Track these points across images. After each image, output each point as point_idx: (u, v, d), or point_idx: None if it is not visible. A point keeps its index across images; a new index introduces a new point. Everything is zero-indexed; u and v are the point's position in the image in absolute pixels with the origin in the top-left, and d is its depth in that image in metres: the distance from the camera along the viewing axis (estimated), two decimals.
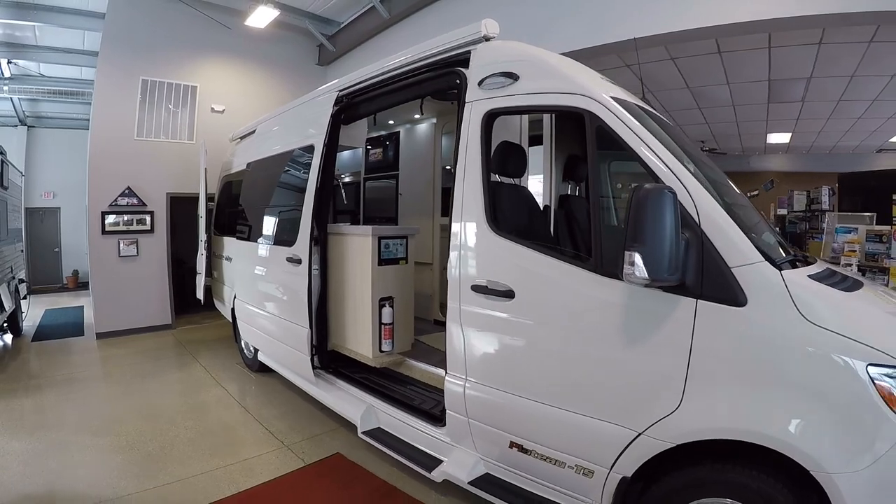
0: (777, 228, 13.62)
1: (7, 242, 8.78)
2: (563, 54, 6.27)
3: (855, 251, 7.05)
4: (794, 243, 11.52)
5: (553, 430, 2.99)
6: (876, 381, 2.20)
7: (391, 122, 6.95)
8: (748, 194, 17.33)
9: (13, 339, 9.09)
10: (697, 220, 2.44)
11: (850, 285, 2.70)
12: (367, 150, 7.49)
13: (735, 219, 2.53)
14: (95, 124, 9.22)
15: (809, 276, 2.53)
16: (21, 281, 10.04)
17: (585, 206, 3.14)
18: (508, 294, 3.07)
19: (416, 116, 6.53)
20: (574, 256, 3.01)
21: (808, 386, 2.31)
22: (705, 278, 2.42)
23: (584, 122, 2.87)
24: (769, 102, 10.92)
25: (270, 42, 10.67)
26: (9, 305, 8.37)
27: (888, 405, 2.18)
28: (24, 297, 10.27)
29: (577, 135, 3.53)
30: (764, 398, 2.36)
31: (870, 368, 2.20)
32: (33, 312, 10.95)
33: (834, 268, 3.14)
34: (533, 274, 3.03)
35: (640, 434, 2.61)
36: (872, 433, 2.21)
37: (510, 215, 3.33)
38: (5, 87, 12.61)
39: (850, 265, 6.96)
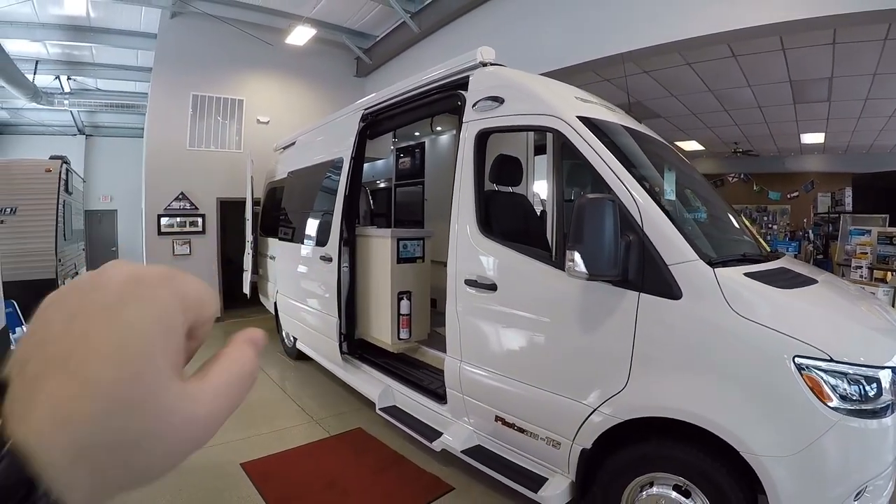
0: (809, 230, 13.73)
1: (71, 242, 9.61)
2: (574, 66, 6.78)
3: (867, 253, 7.02)
4: (824, 244, 11.65)
5: (528, 406, 3.43)
6: (803, 372, 2.40)
7: (417, 133, 7.47)
8: (788, 195, 17.23)
9: None
10: (640, 224, 2.80)
11: (793, 283, 2.91)
12: (398, 159, 8.05)
13: (682, 223, 2.90)
14: (151, 136, 10.07)
15: (745, 274, 2.77)
16: None
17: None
18: (492, 287, 3.57)
19: (438, 129, 7.05)
20: (545, 255, 3.40)
21: (737, 373, 2.56)
22: (646, 274, 2.77)
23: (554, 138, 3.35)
24: (795, 103, 10.86)
25: (310, 56, 11.26)
26: None
27: (817, 396, 2.38)
28: None
29: None
30: (697, 382, 2.65)
31: (797, 360, 2.40)
32: None
33: (790, 266, 3.34)
34: (512, 270, 3.51)
35: (594, 410, 3.00)
36: (801, 421, 2.43)
37: (499, 220, 3.79)
38: (66, 101, 13.50)
39: (860, 268, 7.04)
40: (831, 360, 2.39)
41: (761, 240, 4.13)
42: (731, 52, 8.09)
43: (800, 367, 2.39)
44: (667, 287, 2.71)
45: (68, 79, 13.07)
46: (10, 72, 9.89)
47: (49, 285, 7.78)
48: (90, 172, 16.85)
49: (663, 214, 2.83)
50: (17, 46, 10.60)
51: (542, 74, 6.99)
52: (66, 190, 9.00)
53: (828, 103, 10.80)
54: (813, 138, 14.28)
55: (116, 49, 11.39)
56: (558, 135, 3.28)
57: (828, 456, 2.42)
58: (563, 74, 7.31)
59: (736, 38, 6.20)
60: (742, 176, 17.95)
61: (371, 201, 7.44)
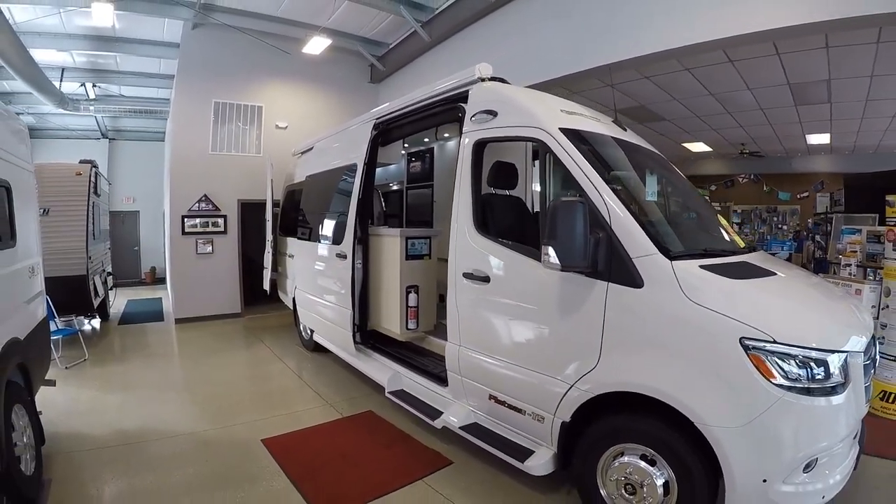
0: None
1: (99, 241, 10.22)
2: (579, 73, 7.07)
3: (856, 252, 7.17)
4: (826, 243, 11.88)
5: (517, 384, 3.85)
6: (749, 352, 2.70)
7: (426, 140, 7.88)
8: (798, 196, 17.36)
9: (102, 322, 10.54)
10: (609, 223, 3.20)
11: (748, 275, 3.23)
12: (409, 163, 8.48)
13: (647, 222, 3.28)
14: (175, 142, 10.67)
15: (701, 266, 3.08)
16: (109, 274, 11.68)
17: None
18: (486, 279, 4.01)
19: (446, 135, 7.47)
20: (529, 251, 3.73)
21: (692, 352, 2.88)
22: (613, 266, 3.17)
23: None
24: (797, 105, 10.89)
25: (326, 64, 11.74)
26: (101, 293, 9.90)
27: (762, 374, 2.67)
28: (111, 288, 11.93)
29: None
30: (657, 360, 3.00)
31: (743, 341, 2.71)
32: (118, 302, 12.68)
33: (753, 261, 3.62)
34: (502, 264, 3.94)
35: (571, 386, 3.42)
36: (747, 396, 2.70)
37: (495, 220, 4.21)
38: (91, 108, 14.01)
39: (850, 265, 7.29)
40: (775, 342, 2.68)
41: (737, 237, 4.47)
42: (727, 57, 8.22)
43: (746, 348, 2.71)
44: (630, 277, 3.10)
45: (93, 86, 13.64)
46: (38, 80, 10.39)
47: (80, 281, 8.39)
48: (113, 175, 17.43)
49: (629, 214, 3.22)
50: (44, 56, 11.16)
51: (547, 81, 7.50)
52: (95, 192, 9.54)
53: (829, 105, 10.81)
54: (819, 139, 14.27)
55: (140, 58, 11.98)
56: (543, 145, 3.70)
57: (774, 428, 2.69)
58: (570, 81, 7.72)
59: (729, 45, 6.38)
60: (752, 177, 18.03)
61: (383, 203, 7.86)
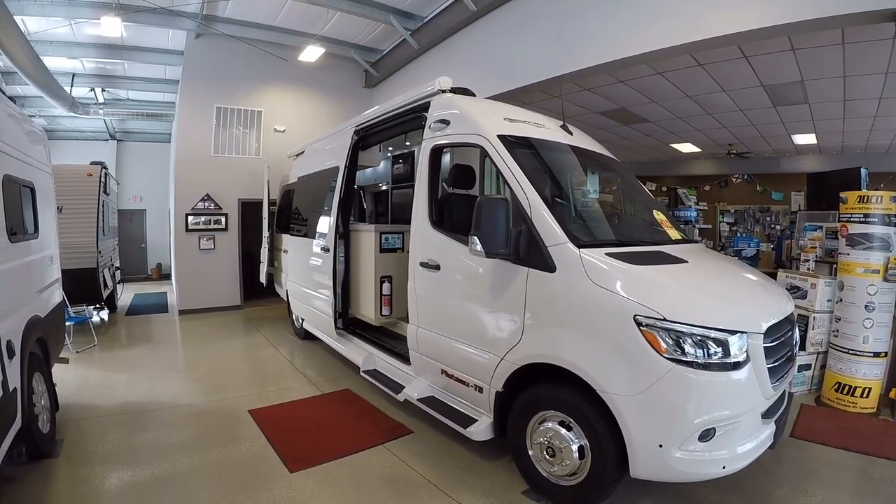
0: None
1: (109, 237, 10.86)
2: (555, 78, 7.54)
3: (815, 248, 7.43)
4: None
5: (462, 359, 4.36)
6: (642, 328, 3.01)
7: (408, 143, 8.42)
8: (793, 194, 17.49)
9: (110, 313, 11.13)
10: (530, 216, 3.71)
11: (655, 262, 3.58)
12: (393, 164, 9.03)
13: (565, 216, 3.80)
14: (179, 144, 11.30)
15: (607, 254, 3.46)
16: (117, 268, 12.36)
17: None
18: (437, 267, 4.56)
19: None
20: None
21: (594, 328, 3.25)
22: (532, 254, 3.66)
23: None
24: (775, 106, 10.94)
25: (322, 70, 12.30)
26: (110, 285, 10.56)
27: (654, 348, 2.98)
28: (119, 282, 12.60)
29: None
30: (568, 335, 3.40)
31: (636, 318, 3.04)
32: (125, 295, 13.38)
33: (669, 251, 3.96)
34: (449, 254, 4.46)
35: (501, 359, 3.91)
36: (642, 368, 3.00)
37: (451, 216, 4.69)
38: (100, 111, 14.63)
39: (808, 261, 7.69)
40: (664, 320, 3.01)
41: (672, 230, 4.81)
42: (696, 61, 8.38)
43: (639, 324, 3.05)
44: (546, 263, 3.59)
45: (102, 90, 14.21)
46: (50, 85, 10.95)
47: (90, 273, 9.06)
48: (121, 175, 18.04)
49: (547, 209, 3.72)
50: (56, 62, 11.78)
51: (528, 86, 8.02)
52: (104, 191, 10.16)
53: (807, 105, 10.82)
54: (805, 139, 14.32)
55: (146, 65, 12.62)
56: (482, 150, 4.26)
57: (665, 398, 2.99)
58: (547, 85, 8.18)
59: (695, 50, 6.68)
60: (746, 177, 18.22)
61: (364, 202, 8.37)
